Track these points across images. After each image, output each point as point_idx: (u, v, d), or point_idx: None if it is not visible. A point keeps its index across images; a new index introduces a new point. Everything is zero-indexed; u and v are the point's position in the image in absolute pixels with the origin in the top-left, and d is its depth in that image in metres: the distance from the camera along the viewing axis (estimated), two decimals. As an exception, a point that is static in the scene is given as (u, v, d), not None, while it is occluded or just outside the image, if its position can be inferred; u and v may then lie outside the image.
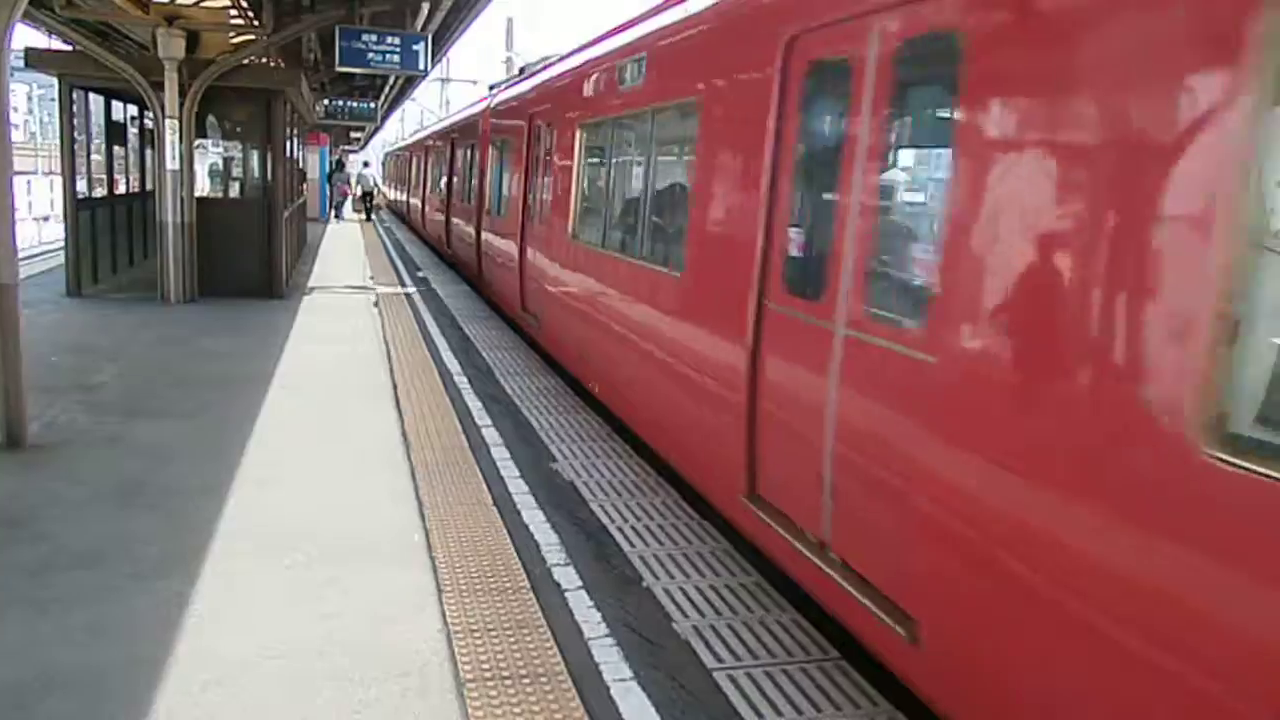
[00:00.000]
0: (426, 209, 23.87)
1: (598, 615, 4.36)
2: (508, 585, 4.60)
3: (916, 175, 4.30)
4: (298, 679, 3.72)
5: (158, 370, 8.89)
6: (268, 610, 4.27)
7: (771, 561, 4.67)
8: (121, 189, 15.51)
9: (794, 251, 4.53)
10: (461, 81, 52.09)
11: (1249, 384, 2.28)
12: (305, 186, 24.07)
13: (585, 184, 8.53)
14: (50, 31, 12.83)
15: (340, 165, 38.83)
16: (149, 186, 15.66)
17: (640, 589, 4.70)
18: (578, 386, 8.73)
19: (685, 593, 4.67)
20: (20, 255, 6.90)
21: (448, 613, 4.28)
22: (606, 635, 4.19)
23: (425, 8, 15.06)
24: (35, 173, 45.06)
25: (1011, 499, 2.89)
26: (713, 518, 5.59)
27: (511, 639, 4.08)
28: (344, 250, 21.70)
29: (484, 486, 5.98)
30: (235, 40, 13.70)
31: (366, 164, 43.05)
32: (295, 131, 17.98)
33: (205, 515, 5.28)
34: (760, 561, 4.96)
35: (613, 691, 3.75)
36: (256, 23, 13.43)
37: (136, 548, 4.86)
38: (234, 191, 14.85)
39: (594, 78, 8.27)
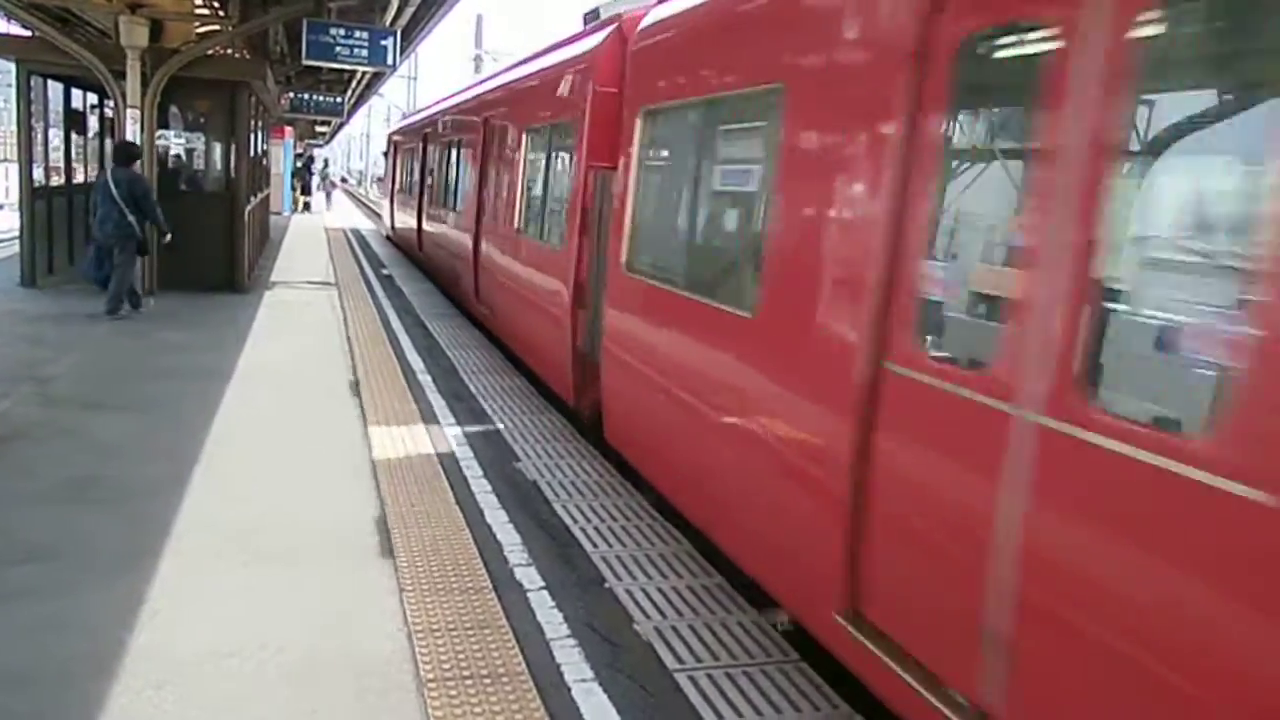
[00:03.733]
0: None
1: (559, 616, 4.37)
2: (469, 585, 4.59)
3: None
4: (254, 678, 3.69)
5: (115, 363, 8.75)
6: (225, 608, 4.22)
7: None
8: (80, 178, 15.22)
9: None
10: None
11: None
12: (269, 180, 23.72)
13: None
14: (9, 16, 12.60)
15: (311, 160, 38.50)
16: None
17: (602, 590, 4.70)
18: (539, 384, 8.71)
19: (647, 594, 4.68)
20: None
21: (408, 612, 4.26)
22: (568, 636, 4.19)
23: (394, 3, 14.96)
24: (-10, 160, 44.17)
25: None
26: (675, 519, 5.61)
27: (473, 639, 4.07)
28: (308, 245, 21.48)
29: (446, 486, 5.95)
30: (200, 30, 13.50)
31: (326, 160, 43.50)
32: (260, 124, 17.77)
33: (162, 511, 5.21)
34: (722, 563, 4.98)
35: (574, 692, 3.75)
36: (222, 13, 13.28)
37: (91, 543, 4.78)
38: (194, 184, 14.63)
39: None
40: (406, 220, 20.04)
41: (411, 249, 19.79)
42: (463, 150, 13.77)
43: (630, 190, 6.21)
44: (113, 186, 10.57)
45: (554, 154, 8.87)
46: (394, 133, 27.60)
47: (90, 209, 11.06)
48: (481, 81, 14.96)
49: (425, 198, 17.41)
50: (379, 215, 35.04)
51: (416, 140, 19.05)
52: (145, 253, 11.10)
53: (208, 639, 3.93)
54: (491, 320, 11.18)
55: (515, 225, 9.72)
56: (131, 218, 10.60)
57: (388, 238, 25.30)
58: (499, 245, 10.60)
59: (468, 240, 12.20)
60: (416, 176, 18.55)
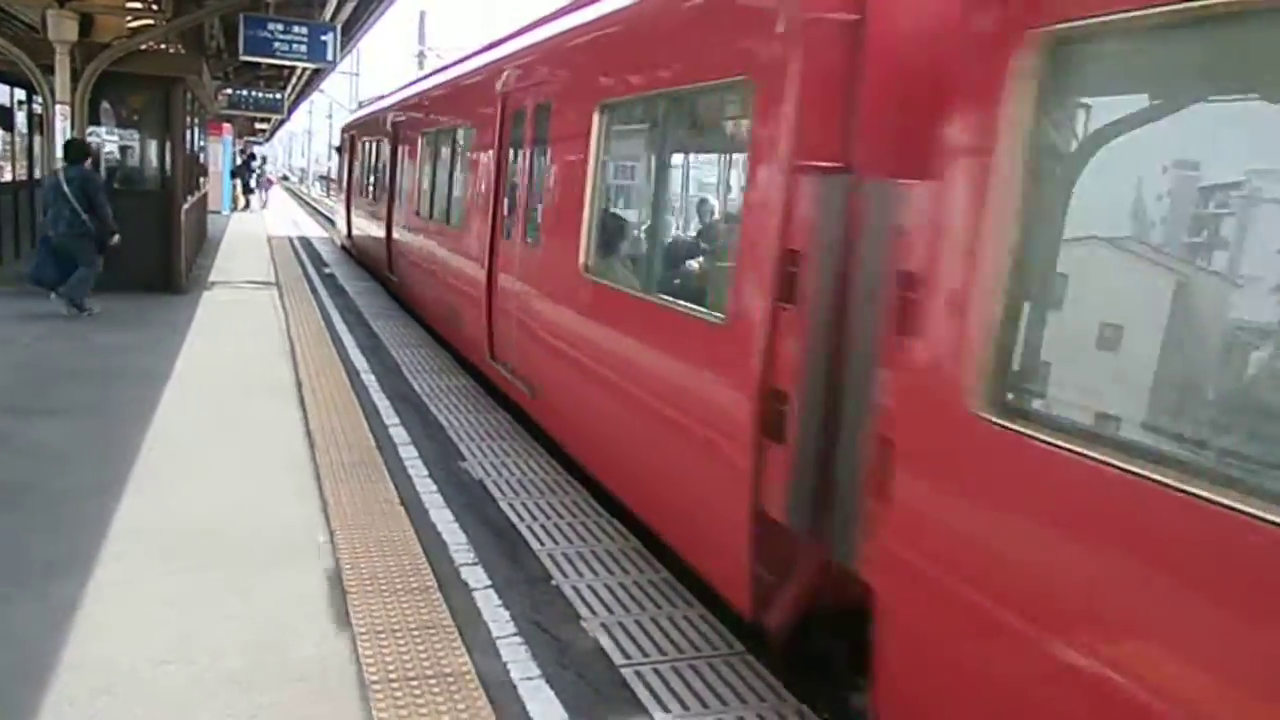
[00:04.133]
0: None
1: (506, 614, 4.35)
2: (414, 586, 4.55)
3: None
4: (193, 685, 3.62)
5: (49, 366, 8.52)
6: (163, 615, 4.13)
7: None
8: (8, 177, 14.80)
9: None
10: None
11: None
12: (206, 179, 23.16)
13: None
14: (-71, 9, 12.19)
15: (251, 158, 37.82)
16: (39, 175, 14.98)
17: (549, 587, 4.69)
18: (489, 385, 8.66)
19: (594, 590, 4.69)
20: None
21: (352, 614, 4.21)
22: (515, 634, 4.18)
23: (334, -3, 14.78)
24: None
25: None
26: (622, 515, 5.62)
27: (418, 640, 4.04)
28: (248, 244, 21.09)
29: (391, 486, 5.89)
30: (132, 24, 13.21)
31: (264, 158, 42.24)
32: (196, 121, 17.41)
33: (98, 517, 5.08)
34: (669, 558, 5.00)
35: (520, 690, 3.74)
36: (155, 7, 12.99)
37: (24, 551, 4.65)
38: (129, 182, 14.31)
39: None
40: (370, 230, 16.13)
41: (377, 266, 15.59)
42: (462, 142, 10.05)
43: (1013, 228, 2.72)
44: (64, 185, 10.48)
45: (672, 144, 5.50)
46: (351, 124, 22.23)
47: (42, 208, 11.01)
48: (495, 45, 9.79)
49: (399, 204, 13.49)
50: (328, 218, 32.83)
51: (385, 131, 14.94)
52: (103, 251, 10.96)
53: (145, 647, 3.84)
54: (538, 408, 7.03)
55: (582, 262, 5.94)
56: (85, 216, 10.54)
57: (343, 247, 21.21)
58: (544, 288, 6.80)
59: (476, 270, 8.55)
60: (385, 176, 14.52)
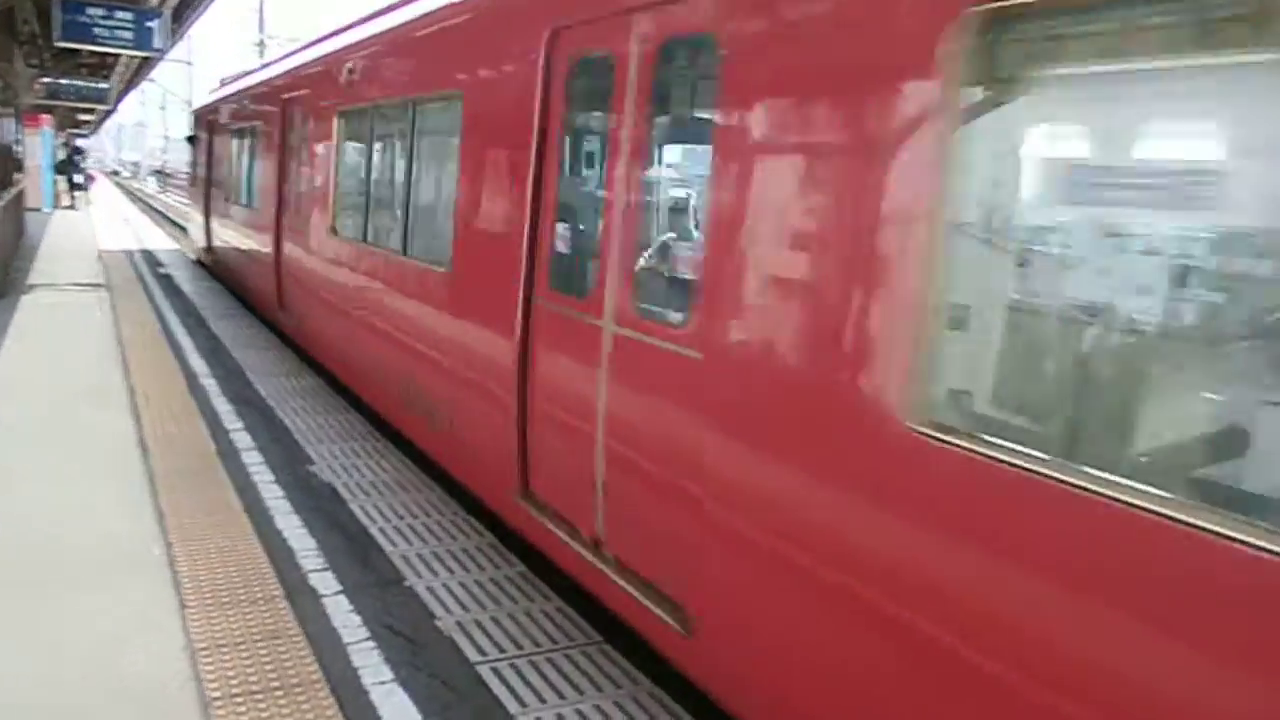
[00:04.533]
0: None
1: (357, 619, 4.24)
2: (259, 595, 4.38)
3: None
4: (11, 716, 3.38)
5: None
6: (-23, 642, 3.85)
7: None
8: None
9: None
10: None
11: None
12: (23, 174, 21.53)
13: None
14: None
15: (77, 151, 35.52)
16: None
17: (402, 589, 4.60)
18: (338, 385, 8.40)
19: (449, 589, 4.62)
20: None
21: (191, 629, 4.02)
22: (367, 639, 4.08)
23: (161, -19, 13.98)
24: None
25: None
26: (478, 513, 5.56)
27: (263, 651, 3.89)
28: (73, 243, 19.77)
29: (233, 493, 5.65)
30: (-69, 7, 12.17)
31: (84, 151, 39.56)
32: (10, 112, 16.20)
33: (-101, 542, 4.68)
34: (525, 552, 4.98)
35: (373, 696, 3.66)
36: (-43, -12, 12.01)
37: None
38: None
39: None
40: (244, 244, 12.29)
41: (258, 298, 11.70)
42: (433, 124, 6.36)
43: None
44: None
45: None
46: (212, 105, 16.16)
47: None
48: None
49: (296, 215, 9.50)
50: (163, 214, 30.61)
51: (273, 111, 10.69)
52: None
53: (-44, 678, 3.57)
54: (713, 663, 3.39)
55: (915, 397, 2.49)
56: None
57: (198, 262, 17.40)
58: (751, 431, 3.14)
59: (487, 343, 5.02)
60: (274, 174, 10.34)
